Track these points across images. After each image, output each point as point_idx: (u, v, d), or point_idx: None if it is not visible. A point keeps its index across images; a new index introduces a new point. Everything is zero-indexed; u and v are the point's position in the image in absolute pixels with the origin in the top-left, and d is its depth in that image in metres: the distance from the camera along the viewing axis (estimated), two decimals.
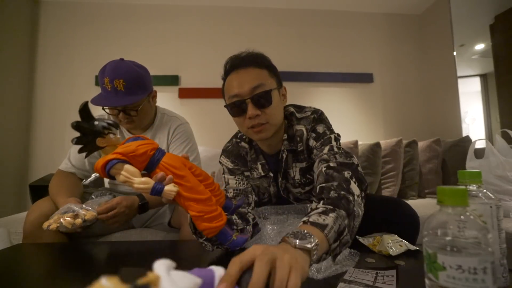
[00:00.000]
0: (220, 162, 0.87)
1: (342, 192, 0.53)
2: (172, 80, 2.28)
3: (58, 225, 0.74)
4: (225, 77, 0.76)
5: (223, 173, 0.86)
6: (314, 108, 0.81)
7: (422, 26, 2.58)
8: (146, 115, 1.04)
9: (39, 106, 2.17)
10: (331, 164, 0.61)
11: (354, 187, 0.56)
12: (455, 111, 2.24)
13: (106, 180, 1.45)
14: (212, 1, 2.37)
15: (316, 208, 0.50)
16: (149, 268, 0.25)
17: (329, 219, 0.46)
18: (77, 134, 0.43)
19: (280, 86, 0.77)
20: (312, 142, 0.74)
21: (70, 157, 1.05)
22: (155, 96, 1.10)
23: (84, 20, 2.28)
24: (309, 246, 0.40)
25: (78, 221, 0.75)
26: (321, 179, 0.59)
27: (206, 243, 0.62)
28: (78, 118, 0.43)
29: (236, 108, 0.71)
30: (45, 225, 0.75)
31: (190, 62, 2.33)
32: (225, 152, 0.86)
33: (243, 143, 0.83)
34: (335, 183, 0.55)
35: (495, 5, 2.20)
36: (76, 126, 0.43)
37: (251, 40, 2.39)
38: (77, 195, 0.94)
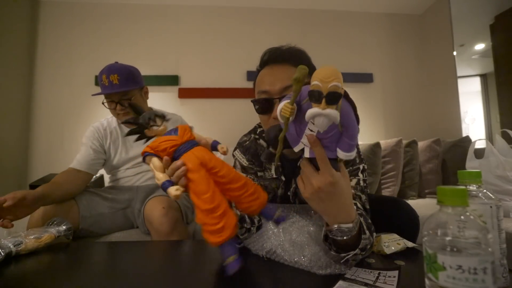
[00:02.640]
0: (233, 156, 0.82)
1: (368, 232, 0.53)
2: (172, 80, 2.28)
3: None
4: (259, 68, 0.72)
5: (234, 166, 0.82)
6: None
7: (422, 26, 2.58)
8: None
9: (38, 105, 2.16)
10: (359, 205, 0.61)
11: (372, 236, 0.56)
12: (455, 111, 2.24)
13: (106, 180, 1.45)
14: (212, 1, 2.36)
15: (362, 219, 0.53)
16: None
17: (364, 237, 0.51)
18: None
19: None
20: None
21: (78, 155, 1.14)
22: (146, 92, 1.24)
23: (84, 20, 2.28)
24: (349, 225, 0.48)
25: None
26: None
27: None
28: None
29: (262, 105, 0.67)
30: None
31: (190, 62, 2.33)
32: (242, 147, 0.81)
33: (261, 141, 0.78)
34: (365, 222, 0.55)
35: (495, 5, 2.19)
36: (124, 122, 0.55)
37: (251, 40, 2.39)
38: (63, 195, 1.00)
